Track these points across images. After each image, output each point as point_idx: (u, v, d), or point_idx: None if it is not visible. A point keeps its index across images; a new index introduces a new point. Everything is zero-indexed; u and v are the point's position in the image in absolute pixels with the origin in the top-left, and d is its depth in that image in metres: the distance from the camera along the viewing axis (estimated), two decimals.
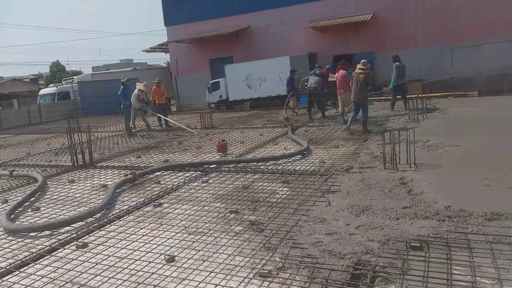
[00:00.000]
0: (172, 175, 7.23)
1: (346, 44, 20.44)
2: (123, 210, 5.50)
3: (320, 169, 6.72)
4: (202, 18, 23.95)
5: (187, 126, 13.74)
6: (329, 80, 15.29)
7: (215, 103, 21.98)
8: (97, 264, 3.92)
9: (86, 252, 4.23)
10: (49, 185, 7.33)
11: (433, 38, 18.79)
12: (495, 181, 5.25)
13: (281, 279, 3.34)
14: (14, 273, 3.90)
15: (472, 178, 5.50)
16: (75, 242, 4.49)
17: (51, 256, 4.24)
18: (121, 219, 5.16)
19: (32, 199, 6.41)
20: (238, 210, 5.03)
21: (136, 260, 3.91)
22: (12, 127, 19.92)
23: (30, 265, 4.05)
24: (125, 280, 3.54)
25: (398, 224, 4.20)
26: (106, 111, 20.51)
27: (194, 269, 3.61)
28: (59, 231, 4.91)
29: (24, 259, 4.19)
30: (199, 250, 4.00)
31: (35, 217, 5.54)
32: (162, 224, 4.81)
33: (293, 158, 7.71)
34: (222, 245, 4.07)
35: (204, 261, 3.76)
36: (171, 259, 3.82)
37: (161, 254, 3.96)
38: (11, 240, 4.76)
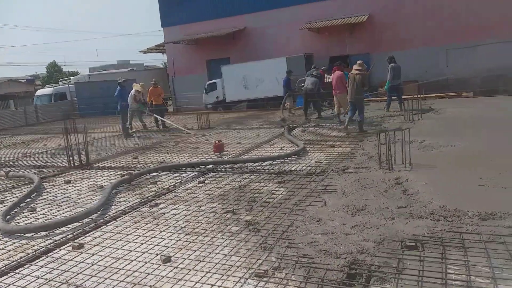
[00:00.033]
0: (169, 176, 7.23)
1: (342, 45, 20.49)
2: (119, 210, 5.50)
3: (316, 169, 6.74)
4: (199, 19, 23.95)
5: (184, 126, 13.75)
6: (325, 81, 15.33)
7: (212, 104, 21.98)
8: (93, 265, 3.92)
9: (82, 253, 4.22)
10: (45, 185, 7.30)
11: (428, 39, 18.87)
12: (490, 181, 5.29)
13: (277, 279, 3.35)
14: (9, 275, 3.89)
15: (467, 178, 5.53)
16: (71, 243, 4.48)
17: (47, 257, 4.23)
18: (117, 219, 5.15)
19: (28, 200, 6.39)
20: (234, 210, 5.04)
21: (132, 261, 3.91)
22: (9, 128, 19.84)
23: (25, 266, 4.03)
24: (121, 281, 3.53)
25: (393, 223, 4.22)
26: (103, 111, 20.47)
27: (190, 270, 3.62)
28: (55, 232, 4.89)
29: (19, 260, 4.18)
30: (195, 251, 4.00)
31: (31, 218, 5.52)
32: (159, 225, 4.81)
33: (289, 158, 7.73)
34: (218, 245, 4.07)
35: (200, 261, 3.76)
36: (167, 260, 3.82)
37: (157, 255, 3.96)
38: (7, 241, 4.75)
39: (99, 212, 5.41)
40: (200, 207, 5.34)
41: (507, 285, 2.99)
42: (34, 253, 4.33)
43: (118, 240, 4.46)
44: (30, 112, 22.64)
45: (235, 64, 22.08)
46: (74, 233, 4.79)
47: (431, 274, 3.19)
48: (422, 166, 6.32)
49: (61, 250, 4.38)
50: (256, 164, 7.51)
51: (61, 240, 4.62)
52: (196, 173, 7.26)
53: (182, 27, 24.63)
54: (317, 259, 3.59)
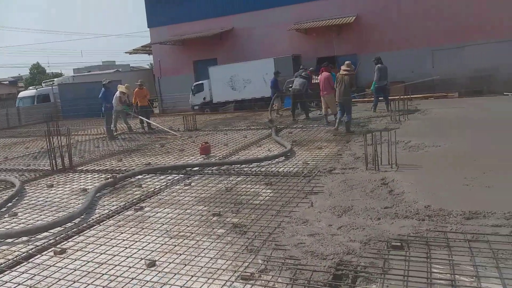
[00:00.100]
0: (154, 178, 7.15)
1: (330, 46, 20.60)
2: (103, 214, 5.40)
3: (304, 170, 6.74)
4: (185, 20, 23.83)
5: (170, 128, 13.64)
6: (312, 82, 15.38)
7: (198, 105, 21.86)
8: (75, 270, 3.83)
9: (65, 258, 4.14)
10: (27, 190, 7.15)
11: (414, 40, 19.10)
12: (474, 180, 5.35)
13: (263, 281, 3.32)
14: None
15: (452, 178, 5.59)
16: (53, 248, 4.38)
17: (28, 262, 4.13)
18: (101, 223, 5.06)
19: (9, 204, 6.25)
20: (220, 213, 5.00)
21: (116, 266, 3.83)
22: None
23: (6, 273, 3.93)
24: (104, 286, 3.46)
25: (379, 224, 4.23)
26: (87, 113, 20.21)
27: (175, 274, 3.56)
28: (37, 237, 4.79)
29: (0, 266, 4.07)
30: (180, 254, 3.95)
31: (12, 223, 5.39)
32: (143, 228, 4.74)
33: (276, 159, 7.71)
34: (204, 249, 4.03)
35: (186, 265, 3.71)
36: (151, 264, 3.76)
37: (141, 259, 3.90)
38: None
39: (82, 217, 5.31)
40: (186, 210, 5.28)
41: (490, 283, 3.02)
42: (15, 258, 4.22)
43: (101, 245, 4.38)
44: (12, 114, 22.27)
45: (222, 65, 22.03)
46: (57, 238, 4.69)
47: (416, 273, 3.20)
48: (408, 166, 6.37)
49: (43, 255, 4.28)
50: (243, 165, 7.48)
51: (43, 245, 4.52)
52: (182, 175, 7.19)
53: (168, 27, 24.49)
54: (303, 261, 3.57)
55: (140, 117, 14.34)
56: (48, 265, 4.00)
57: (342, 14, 19.96)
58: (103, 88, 13.26)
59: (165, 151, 9.92)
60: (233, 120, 15.52)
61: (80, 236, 4.73)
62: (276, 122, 13.14)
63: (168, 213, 5.20)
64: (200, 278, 3.44)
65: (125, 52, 28.02)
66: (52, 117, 20.19)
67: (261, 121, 14.10)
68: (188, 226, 4.68)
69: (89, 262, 3.98)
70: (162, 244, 4.23)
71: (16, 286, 3.63)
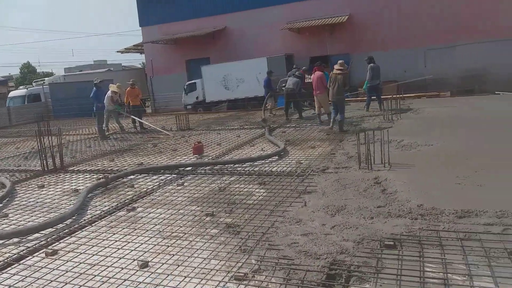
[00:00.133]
0: (147, 179, 7.11)
1: (323, 45, 20.64)
2: (95, 215, 5.35)
3: (297, 169, 6.74)
4: (178, 19, 23.73)
5: (162, 128, 13.58)
6: (305, 81, 15.40)
7: (191, 105, 21.80)
8: (67, 271, 3.79)
9: (56, 260, 4.09)
10: (18, 190, 7.07)
11: (407, 40, 19.20)
12: (466, 179, 5.38)
13: (256, 281, 3.31)
14: None
15: (444, 177, 5.62)
16: (44, 250, 4.33)
17: (19, 264, 4.08)
18: (93, 224, 5.02)
19: (0, 205, 6.17)
20: (214, 213, 4.98)
21: (108, 267, 3.80)
22: None
23: None
24: None
25: (372, 223, 4.24)
26: (79, 113, 20.06)
27: (168, 274, 3.54)
28: (28, 238, 4.73)
29: None
30: (173, 255, 3.92)
31: (2, 224, 5.32)
32: (136, 229, 4.70)
33: (270, 159, 7.71)
34: (197, 249, 4.01)
35: (179, 265, 3.69)
36: (144, 265, 3.73)
37: (134, 260, 3.87)
38: None
39: (74, 217, 5.26)
40: (179, 210, 5.25)
41: (482, 281, 3.03)
42: (6, 260, 4.16)
43: (93, 246, 4.33)
44: (2, 114, 22.02)
45: (215, 64, 21.97)
46: (48, 239, 4.64)
47: (409, 272, 3.21)
48: (400, 165, 6.40)
49: (34, 257, 4.23)
50: (236, 165, 7.46)
51: (34, 246, 4.47)
52: (174, 175, 7.15)
53: (160, 26, 24.37)
54: (297, 261, 3.57)
55: (132, 116, 14.25)
56: (39, 267, 3.96)
57: (334, 14, 20.00)
58: (94, 88, 13.15)
59: (158, 151, 9.87)
60: (226, 120, 15.49)
61: (71, 237, 4.68)
62: (269, 122, 13.13)
63: (161, 214, 5.17)
64: (193, 278, 3.42)
65: (117, 51, 27.89)
66: (43, 117, 20.02)
67: (254, 121, 14.09)
68: (181, 227, 4.65)
69: (81, 263, 3.94)
70: (155, 245, 4.20)
71: None
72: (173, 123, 14.12)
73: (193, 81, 22.01)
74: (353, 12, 20.01)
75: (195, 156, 8.70)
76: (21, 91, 27.58)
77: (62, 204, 6.01)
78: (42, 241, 4.61)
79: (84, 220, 5.20)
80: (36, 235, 4.79)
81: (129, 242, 4.34)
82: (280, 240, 4.02)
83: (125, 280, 3.52)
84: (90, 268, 3.81)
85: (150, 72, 25.44)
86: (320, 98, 11.65)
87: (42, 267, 3.94)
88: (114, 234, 4.63)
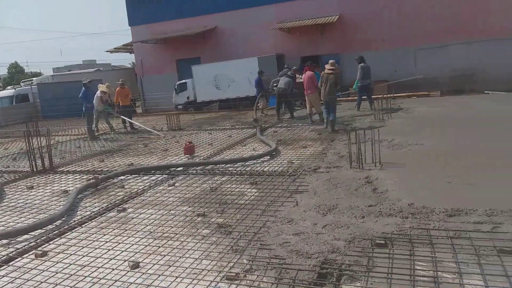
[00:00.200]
0: (137, 179, 7.06)
1: (314, 45, 20.70)
2: (85, 216, 5.30)
3: (288, 169, 6.74)
4: (168, 18, 23.60)
5: (153, 128, 13.50)
6: (296, 81, 15.43)
7: (182, 105, 21.69)
8: (57, 273, 3.76)
9: (46, 261, 4.05)
10: (6, 191, 6.98)
11: (397, 40, 19.33)
12: (456, 178, 5.43)
13: (248, 281, 3.31)
14: None
15: (435, 176, 5.67)
16: (34, 251, 4.29)
17: (8, 266, 4.04)
18: (83, 225, 4.97)
19: None
20: (205, 213, 4.96)
21: (99, 268, 3.77)
22: None
23: None
24: None
25: (363, 222, 4.26)
26: (68, 113, 19.86)
27: (160, 275, 3.52)
28: (17, 239, 4.68)
29: None
30: (164, 255, 3.90)
31: None
32: (126, 230, 4.67)
33: (261, 159, 7.70)
34: (189, 249, 3.99)
35: (170, 266, 3.67)
36: (135, 266, 3.70)
37: (125, 261, 3.84)
38: None
39: (63, 218, 5.21)
40: (170, 210, 5.23)
41: (472, 279, 3.06)
42: None
43: (83, 247, 4.30)
44: None
45: (206, 63, 21.89)
46: (37, 241, 4.59)
47: (400, 271, 3.23)
48: (391, 164, 6.43)
49: (23, 258, 4.19)
50: (228, 165, 7.45)
51: (23, 248, 4.43)
52: (165, 176, 7.12)
53: (150, 26, 24.20)
54: (288, 260, 3.57)
55: (122, 117, 14.15)
56: (29, 268, 3.92)
57: (325, 14, 20.06)
58: (83, 88, 13.04)
59: (148, 151, 9.81)
60: (217, 120, 15.46)
61: (61, 238, 4.64)
62: (261, 121, 13.13)
63: (152, 214, 5.14)
64: (185, 279, 3.41)
65: (106, 51, 27.65)
66: (31, 118, 19.78)
67: (246, 121, 14.08)
68: (172, 227, 4.63)
69: (71, 264, 3.91)
70: (146, 246, 4.17)
71: None
72: (164, 123, 14.05)
73: (183, 81, 21.89)
74: (344, 12, 20.10)
75: (186, 156, 8.66)
76: (9, 91, 27.18)
77: (51, 205, 5.95)
78: (31, 242, 4.56)
79: (74, 221, 5.15)
80: (26, 236, 4.74)
81: (120, 243, 4.31)
82: (272, 239, 4.02)
83: (116, 281, 3.49)
84: (80, 269, 3.78)
85: (140, 72, 25.27)
86: (311, 98, 11.68)
87: (31, 269, 3.90)
88: (105, 235, 4.59)
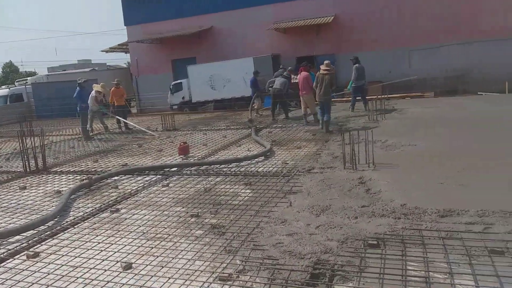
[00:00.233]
0: (131, 180, 7.04)
1: (309, 46, 20.75)
2: (78, 217, 5.28)
3: (283, 170, 6.75)
4: (163, 18, 23.57)
5: (148, 128, 13.48)
6: (291, 81, 15.46)
7: (177, 105, 21.67)
8: (49, 274, 3.73)
9: (38, 262, 4.03)
10: None
11: (392, 40, 19.43)
12: (449, 179, 5.47)
13: (241, 282, 3.31)
14: None
15: (427, 177, 5.70)
16: (25, 252, 4.26)
17: (0, 267, 4.00)
18: (75, 226, 4.95)
19: None
20: (199, 214, 4.96)
21: (91, 269, 3.75)
22: None
23: None
24: None
25: (356, 223, 4.27)
26: (62, 113, 19.77)
27: (152, 276, 3.51)
28: (9, 240, 4.64)
29: None
30: (157, 256, 3.89)
31: None
32: (119, 231, 4.65)
33: (256, 159, 7.71)
34: (182, 250, 3.98)
35: (163, 267, 3.66)
36: (128, 267, 3.69)
37: (117, 262, 3.83)
38: None
39: (56, 219, 5.18)
40: (164, 211, 5.21)
41: (463, 279, 3.08)
42: None
43: (76, 248, 4.28)
44: None
45: (201, 64, 21.87)
46: (29, 242, 4.56)
47: (392, 271, 3.24)
48: (385, 165, 6.46)
49: (15, 259, 4.16)
50: (222, 166, 7.44)
51: (15, 249, 4.39)
52: (159, 176, 7.11)
53: (146, 25, 24.16)
54: (281, 260, 3.58)
55: (117, 117, 14.11)
56: (20, 269, 3.89)
57: (320, 14, 20.13)
58: (78, 88, 12.99)
59: (143, 152, 9.79)
60: (212, 120, 15.46)
61: (53, 239, 4.61)
62: (255, 122, 13.14)
63: (145, 215, 5.13)
64: (178, 280, 3.40)
65: (101, 51, 27.58)
66: (25, 117, 19.69)
67: (241, 121, 14.08)
68: (166, 228, 4.62)
69: (63, 265, 3.89)
70: (139, 246, 4.16)
71: None
72: (159, 124, 14.02)
73: (179, 81, 21.87)
74: (339, 12, 20.17)
75: (180, 156, 8.65)
76: (3, 91, 26.99)
77: (44, 206, 5.92)
78: (23, 243, 4.53)
79: (67, 222, 5.13)
80: (17, 237, 4.70)
81: (112, 244, 4.29)
82: (265, 240, 4.02)
83: (108, 282, 3.48)
84: (72, 270, 3.76)
85: (135, 71, 25.21)
86: (306, 99, 11.70)
87: (23, 270, 3.88)
88: (97, 236, 4.57)
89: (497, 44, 17.75)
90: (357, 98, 13.53)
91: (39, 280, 3.63)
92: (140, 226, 4.73)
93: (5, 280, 3.70)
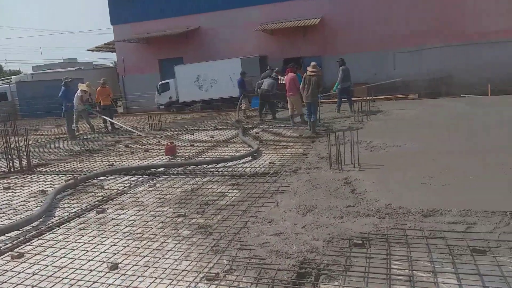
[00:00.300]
0: (117, 180, 6.99)
1: (296, 47, 20.87)
2: (63, 217, 5.22)
3: (270, 170, 6.79)
4: (150, 18, 23.43)
5: (134, 128, 13.38)
6: (279, 82, 15.52)
7: (164, 105, 21.56)
8: (34, 274, 3.70)
9: (22, 263, 3.98)
10: None
11: (377, 43, 19.68)
12: (432, 179, 5.57)
13: (228, 281, 3.33)
14: None
15: (411, 177, 5.79)
16: (10, 253, 4.21)
17: None
18: (61, 226, 4.90)
19: None
20: (186, 214, 4.96)
21: (77, 269, 3.73)
22: None
23: None
24: None
25: (342, 222, 4.33)
26: (47, 113, 19.50)
27: (139, 276, 3.51)
28: None
29: None
30: (144, 256, 3.88)
31: None
32: (105, 231, 4.63)
33: (243, 160, 7.73)
34: (169, 250, 3.98)
35: (150, 267, 3.66)
36: (114, 267, 3.68)
37: (103, 262, 3.81)
38: None
39: (41, 219, 5.12)
40: (150, 211, 5.20)
41: (446, 277, 3.15)
42: None
43: (61, 248, 4.24)
44: None
45: (188, 64, 21.81)
46: (14, 242, 4.50)
47: (377, 270, 3.30)
48: (370, 165, 6.55)
49: None
50: (210, 166, 7.44)
51: None
52: (146, 176, 7.07)
53: (133, 25, 23.98)
54: (268, 260, 3.60)
55: (103, 116, 13.97)
56: (4, 270, 3.85)
57: (307, 16, 20.28)
58: (63, 87, 12.82)
59: (129, 152, 9.72)
60: (200, 120, 15.41)
61: (38, 239, 4.56)
62: (243, 122, 13.15)
63: (132, 215, 5.10)
64: (164, 280, 3.41)
65: (87, 50, 27.29)
66: (9, 117, 19.35)
67: (228, 121, 14.08)
68: (152, 228, 4.61)
69: (48, 266, 3.85)
70: (125, 247, 4.14)
71: None
72: (146, 123, 13.93)
73: (166, 81, 21.76)
74: (325, 15, 20.35)
75: (167, 156, 8.62)
76: None
77: (29, 206, 5.84)
78: (7, 244, 4.47)
79: (52, 222, 5.08)
80: (2, 237, 4.63)
81: (98, 244, 4.27)
82: (252, 240, 4.05)
83: (94, 282, 3.47)
84: (58, 271, 3.73)
85: (122, 71, 25.00)
86: (292, 100, 11.77)
87: (7, 271, 3.83)
88: (83, 236, 4.54)
89: (479, 47, 18.14)
90: (343, 99, 13.66)
91: (24, 281, 3.59)
92: (127, 226, 4.71)
93: None
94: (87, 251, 4.12)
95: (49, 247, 4.30)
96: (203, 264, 3.64)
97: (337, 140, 6.42)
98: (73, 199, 6.03)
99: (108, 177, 7.15)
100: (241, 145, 9.42)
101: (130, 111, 23.18)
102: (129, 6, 23.98)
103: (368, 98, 12.97)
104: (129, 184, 6.64)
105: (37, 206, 5.70)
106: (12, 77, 31.79)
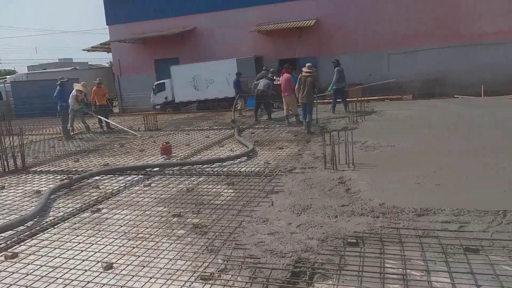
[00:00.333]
0: (112, 179, 6.98)
1: (291, 48, 20.92)
2: (57, 217, 5.21)
3: (265, 170, 6.80)
4: (146, 18, 23.40)
5: (130, 128, 13.35)
6: (274, 83, 15.54)
7: (160, 105, 21.53)
8: (28, 274, 3.69)
9: (16, 263, 3.97)
10: None
11: (372, 44, 19.78)
12: (425, 178, 5.61)
13: (222, 280, 3.33)
14: None
15: (405, 176, 5.83)
16: (4, 253, 4.19)
17: None
18: (55, 226, 4.89)
19: None
20: (181, 214, 4.96)
21: (71, 269, 3.72)
22: None
23: None
24: None
25: (336, 221, 4.35)
26: (42, 112, 19.42)
27: (133, 276, 3.51)
28: None
29: None
30: (139, 256, 3.89)
31: None
32: (100, 231, 4.62)
33: (239, 159, 7.74)
34: (164, 250, 3.99)
35: (144, 266, 3.66)
36: (108, 267, 3.68)
37: (98, 262, 3.80)
38: None
39: (35, 219, 5.11)
40: (145, 211, 5.20)
41: (439, 276, 3.18)
42: None
43: (55, 248, 4.23)
44: None
45: (184, 64, 21.80)
46: (8, 242, 4.48)
47: (370, 269, 3.33)
48: (364, 165, 6.58)
49: None
50: (205, 166, 7.45)
51: None
52: (141, 176, 7.07)
53: (128, 25, 23.93)
54: (263, 259, 3.62)
55: (98, 116, 13.94)
56: None
57: (303, 17, 20.34)
58: (58, 87, 12.78)
59: (125, 151, 9.70)
60: (195, 120, 15.41)
61: (33, 239, 4.54)
62: (238, 123, 13.16)
63: (127, 215, 5.10)
64: (159, 279, 3.41)
65: (83, 50, 27.21)
66: (4, 116, 19.24)
67: (224, 121, 14.09)
68: (147, 228, 4.61)
69: (42, 266, 3.84)
70: (120, 246, 4.14)
71: None
72: (141, 123, 13.91)
73: (162, 81, 21.74)
74: (320, 16, 20.41)
75: (163, 156, 8.61)
76: None
77: (23, 206, 5.82)
78: (1, 244, 4.46)
79: (47, 222, 5.06)
80: None
81: (93, 244, 4.26)
82: (247, 239, 4.06)
83: (88, 282, 3.46)
84: (52, 271, 3.72)
85: (118, 71, 24.94)
86: (288, 100, 11.80)
87: (1, 271, 3.81)
88: (78, 236, 4.53)
89: (473, 49, 18.28)
90: (338, 100, 13.70)
91: (18, 281, 3.58)
92: (122, 226, 4.71)
93: None
94: (82, 251, 4.12)
95: (43, 247, 4.29)
96: (198, 263, 3.64)
97: (331, 140, 6.45)
98: (68, 199, 6.02)
99: (103, 176, 7.14)
100: (236, 145, 9.43)
101: (126, 111, 23.12)
102: (124, 7, 23.93)
103: (362, 98, 13.02)
104: (124, 184, 6.63)
105: (32, 206, 5.68)
106: (7, 76, 31.64)
